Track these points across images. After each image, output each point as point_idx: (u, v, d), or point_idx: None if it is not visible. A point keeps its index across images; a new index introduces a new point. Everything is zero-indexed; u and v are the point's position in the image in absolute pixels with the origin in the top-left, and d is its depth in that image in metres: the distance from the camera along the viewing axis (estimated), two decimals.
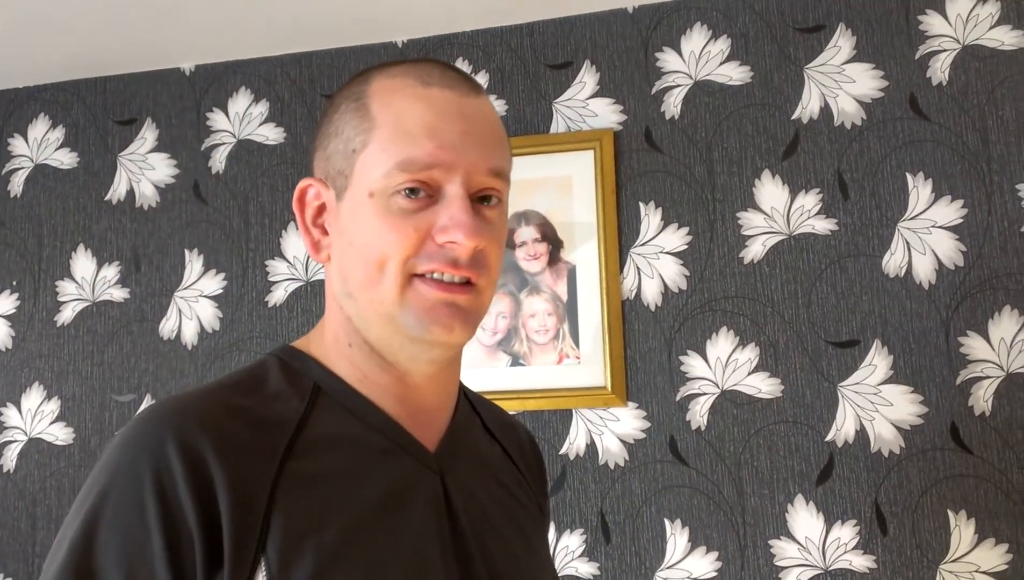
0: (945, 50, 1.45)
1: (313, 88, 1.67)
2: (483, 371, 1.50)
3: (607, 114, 1.55)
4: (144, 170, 1.71)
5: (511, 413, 1.44)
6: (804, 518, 1.38)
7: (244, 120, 1.68)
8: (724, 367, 1.45)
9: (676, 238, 1.50)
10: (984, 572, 1.33)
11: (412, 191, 0.60)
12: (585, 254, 1.50)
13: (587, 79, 1.57)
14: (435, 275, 0.60)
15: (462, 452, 0.68)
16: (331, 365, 0.65)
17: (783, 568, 1.38)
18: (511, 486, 0.72)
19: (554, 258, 1.52)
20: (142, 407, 1.63)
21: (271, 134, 1.67)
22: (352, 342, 0.64)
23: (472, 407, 0.75)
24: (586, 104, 1.57)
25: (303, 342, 0.68)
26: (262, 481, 0.55)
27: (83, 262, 1.70)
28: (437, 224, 0.60)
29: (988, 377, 1.37)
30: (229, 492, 0.54)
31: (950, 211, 1.42)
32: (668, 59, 1.55)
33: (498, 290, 1.52)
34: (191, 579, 0.52)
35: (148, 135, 1.72)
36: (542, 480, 0.81)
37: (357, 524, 0.57)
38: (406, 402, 0.65)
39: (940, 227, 1.42)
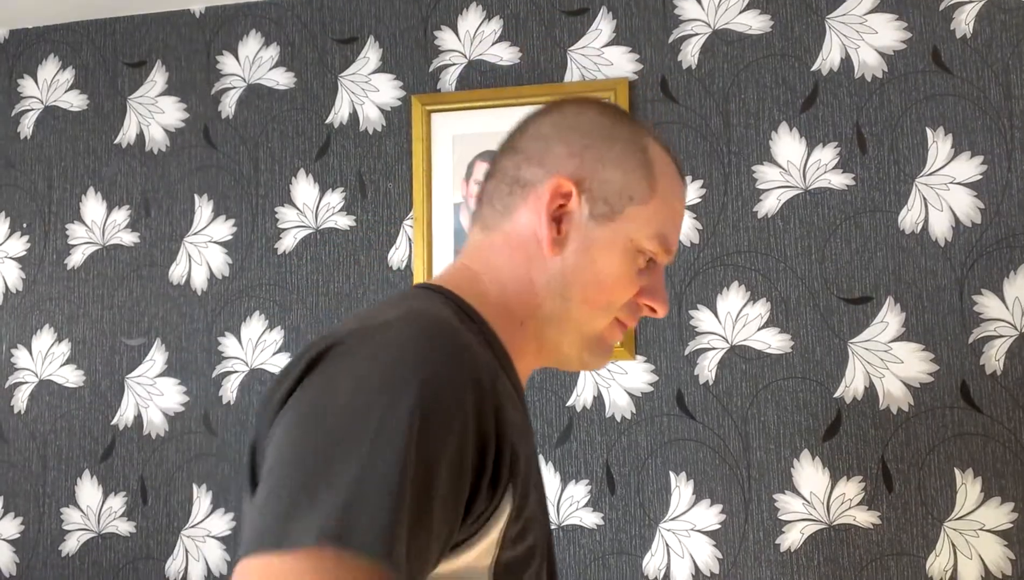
0: (971, 1, 1.41)
1: (324, 33, 1.64)
2: None
3: (623, 63, 1.52)
4: (154, 113, 1.70)
5: None
6: (809, 473, 1.38)
7: (254, 64, 1.66)
8: (734, 322, 1.44)
9: (690, 191, 1.48)
10: (988, 530, 1.33)
11: (651, 261, 0.74)
12: None
13: (603, 26, 1.54)
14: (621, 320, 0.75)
15: None
16: (495, 328, 0.71)
17: (787, 522, 1.39)
18: None
19: None
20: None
21: (281, 79, 1.65)
22: (525, 322, 0.71)
23: None
24: (601, 52, 1.54)
25: (456, 291, 0.71)
26: (496, 417, 0.59)
27: (93, 205, 1.70)
28: (646, 289, 0.74)
29: (1001, 336, 1.36)
30: (500, 423, 0.58)
31: (969, 167, 1.39)
32: (686, 7, 1.51)
33: None
34: (476, 495, 0.56)
35: (158, 78, 1.71)
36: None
37: (532, 476, 0.65)
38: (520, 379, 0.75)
39: (958, 183, 1.39)
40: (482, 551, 0.58)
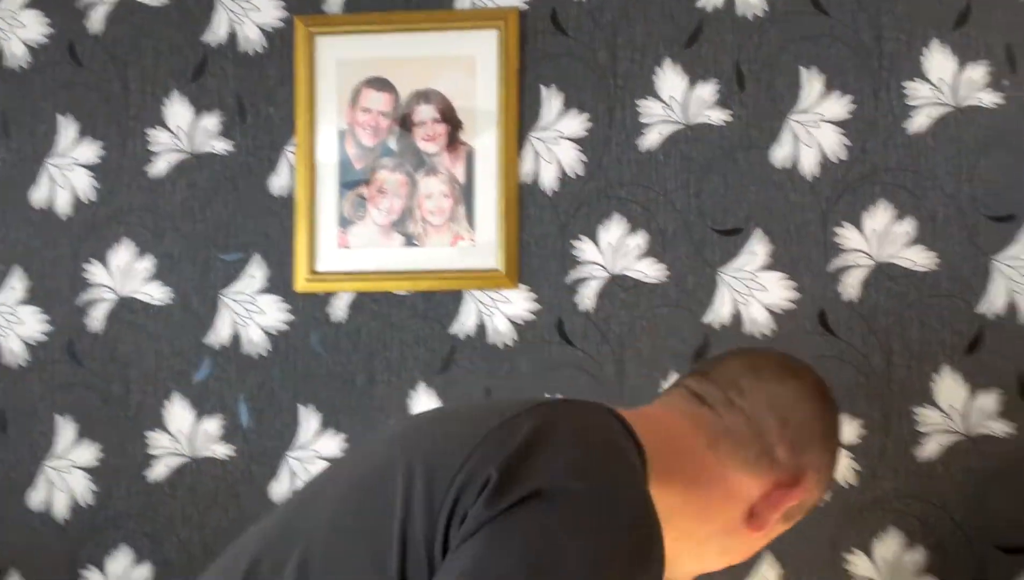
0: None
1: None
2: (377, 252, 1.48)
3: None
4: (14, 28, 1.58)
5: (402, 294, 1.45)
6: None
7: None
8: (614, 252, 1.48)
9: (576, 124, 1.50)
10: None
11: None
12: (484, 137, 1.48)
13: None
14: None
15: None
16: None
17: None
18: None
19: (453, 140, 1.49)
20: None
21: None
22: (685, 516, 0.74)
23: None
24: None
25: (648, 453, 0.69)
26: None
27: None
28: None
29: (858, 266, 1.45)
30: None
31: (839, 106, 1.46)
32: None
33: (393, 170, 1.49)
34: None
35: None
36: None
37: None
38: None
39: (828, 121, 1.46)
40: None
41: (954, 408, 1.44)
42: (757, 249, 1.46)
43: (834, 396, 0.85)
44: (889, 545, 1.43)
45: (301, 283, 1.47)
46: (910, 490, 1.43)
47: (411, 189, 1.49)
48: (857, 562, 1.43)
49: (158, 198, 1.53)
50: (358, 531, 0.64)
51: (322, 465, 1.48)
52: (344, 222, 1.48)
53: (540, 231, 1.48)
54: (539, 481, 0.59)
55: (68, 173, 1.55)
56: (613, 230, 1.48)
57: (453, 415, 0.94)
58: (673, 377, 1.45)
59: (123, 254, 1.53)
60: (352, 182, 1.48)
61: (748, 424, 0.78)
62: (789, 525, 0.84)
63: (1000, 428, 1.43)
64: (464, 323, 1.48)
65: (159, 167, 1.53)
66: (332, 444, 1.48)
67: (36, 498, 1.52)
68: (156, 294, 1.51)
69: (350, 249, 1.48)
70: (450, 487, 0.61)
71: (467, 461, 0.62)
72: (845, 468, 1.43)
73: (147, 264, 1.51)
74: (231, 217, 1.51)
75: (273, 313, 1.49)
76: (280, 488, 1.47)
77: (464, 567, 0.55)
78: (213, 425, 1.49)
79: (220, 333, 1.50)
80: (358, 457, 0.76)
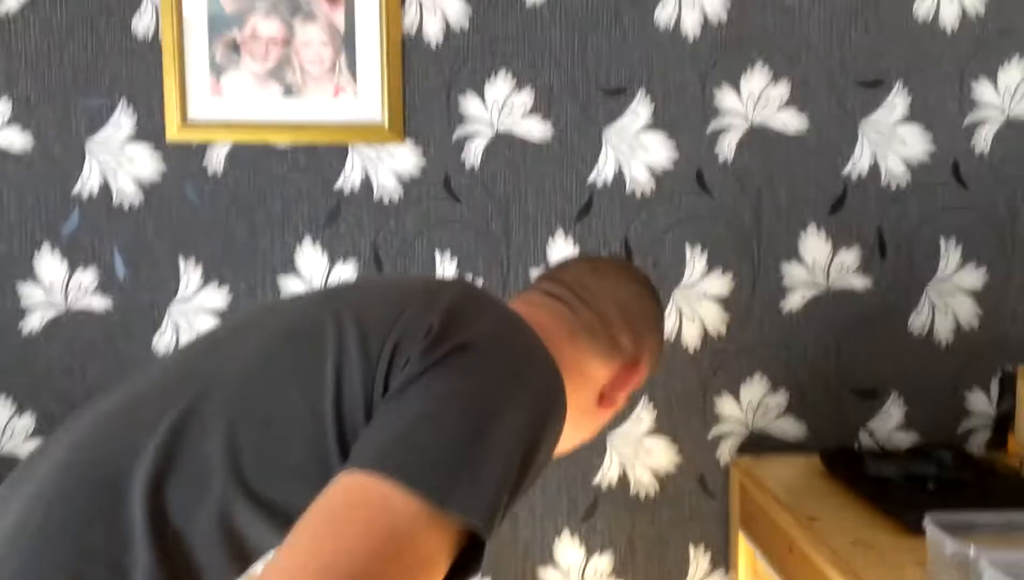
0: None
1: None
2: (253, 102, 1.42)
3: None
4: None
5: (283, 147, 1.41)
6: (560, 248, 1.49)
7: None
8: (500, 109, 1.47)
9: None
10: (710, 297, 1.52)
11: None
12: None
13: None
14: None
15: None
16: None
17: None
18: None
19: None
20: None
21: None
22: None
23: None
24: None
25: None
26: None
27: None
28: None
29: (734, 128, 1.50)
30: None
31: None
32: None
33: (267, 15, 1.42)
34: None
35: None
36: None
37: None
38: None
39: None
40: None
41: (817, 263, 1.54)
42: (640, 110, 1.49)
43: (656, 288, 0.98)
44: (754, 389, 1.55)
45: (173, 132, 1.40)
46: (774, 339, 1.54)
47: (288, 35, 1.42)
48: (724, 404, 1.54)
49: (8, 39, 1.40)
50: (288, 373, 0.68)
51: (210, 319, 1.45)
52: (216, 69, 1.40)
53: (425, 86, 1.46)
54: (472, 335, 0.67)
55: None
56: (499, 86, 1.47)
57: (373, 283, 1.10)
58: (559, 234, 1.49)
59: None
60: (223, 26, 1.40)
61: (598, 318, 0.87)
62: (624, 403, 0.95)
63: (859, 282, 1.55)
64: (349, 178, 1.46)
65: (9, 5, 1.40)
66: (218, 297, 1.45)
67: None
68: (15, 141, 1.41)
69: (222, 97, 1.41)
70: (388, 335, 0.67)
71: (402, 314, 0.69)
72: (716, 319, 1.52)
73: (3, 108, 1.40)
74: (91, 61, 1.41)
75: (144, 163, 1.42)
76: (165, 340, 1.44)
77: (412, 403, 0.63)
78: (88, 277, 1.43)
79: (88, 183, 1.42)
80: (272, 316, 0.79)
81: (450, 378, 0.64)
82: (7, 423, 1.44)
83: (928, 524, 0.98)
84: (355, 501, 0.55)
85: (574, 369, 0.83)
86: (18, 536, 0.64)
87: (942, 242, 1.55)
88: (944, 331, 1.56)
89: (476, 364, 0.65)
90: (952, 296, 1.55)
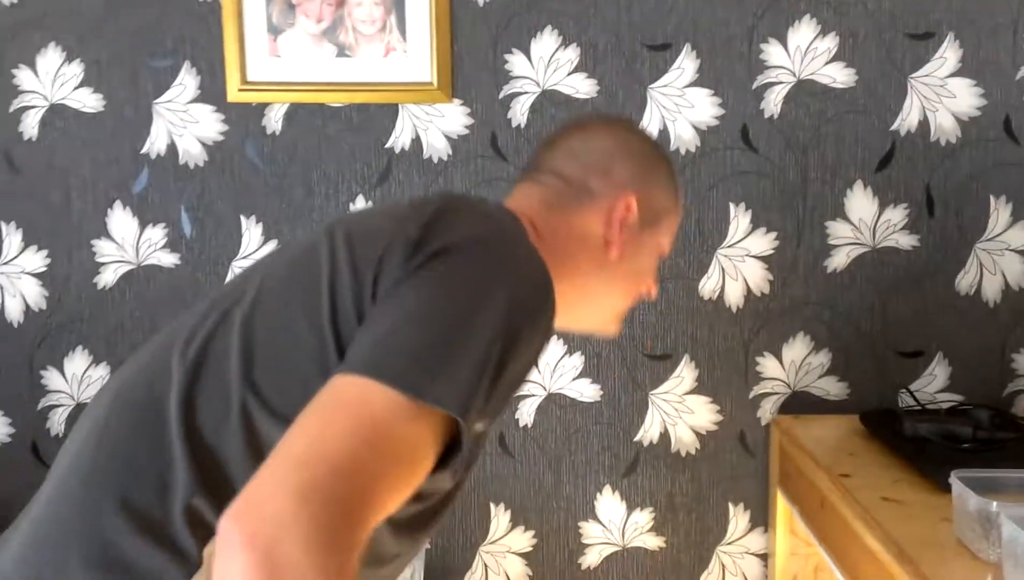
0: None
1: None
2: (308, 62, 1.47)
3: None
4: None
5: (337, 106, 1.47)
6: None
7: None
8: (546, 67, 1.50)
9: None
10: (753, 256, 1.54)
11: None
12: None
13: None
14: None
15: None
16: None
17: None
18: None
19: None
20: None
21: None
22: (562, 278, 0.79)
23: None
24: None
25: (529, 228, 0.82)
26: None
27: None
28: (651, 282, 0.96)
29: (780, 82, 1.49)
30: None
31: None
32: None
33: None
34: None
35: None
36: None
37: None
38: None
39: None
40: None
41: (863, 221, 1.53)
42: (685, 65, 1.49)
43: (632, 122, 0.98)
44: (797, 349, 1.57)
45: (234, 93, 1.47)
46: (818, 298, 1.55)
47: None
48: (767, 363, 1.57)
49: (80, 2, 1.48)
50: (291, 293, 0.74)
51: None
52: (273, 30, 1.46)
53: (472, 44, 1.49)
54: (453, 238, 0.71)
55: None
56: (546, 43, 1.49)
57: (370, 209, 1.15)
58: None
59: (52, 58, 1.49)
60: None
61: (558, 178, 0.89)
62: (653, 232, 0.91)
63: (906, 241, 1.54)
64: (400, 137, 1.51)
65: None
66: None
67: None
68: (88, 102, 1.50)
69: (280, 58, 1.47)
70: (374, 249, 0.71)
71: (388, 229, 0.73)
72: (759, 278, 1.54)
73: (76, 69, 1.49)
74: (156, 22, 1.48)
75: (208, 123, 1.50)
76: None
77: (394, 308, 0.67)
78: (157, 234, 1.53)
79: (156, 144, 1.51)
80: (289, 247, 0.85)
81: (431, 281, 0.68)
82: (84, 373, 1.56)
83: (954, 480, 1.01)
84: (340, 399, 0.61)
85: (568, 237, 0.86)
86: (80, 461, 0.71)
87: (991, 199, 1.53)
88: (992, 291, 1.54)
89: (455, 264, 0.69)
90: (1001, 255, 1.54)
